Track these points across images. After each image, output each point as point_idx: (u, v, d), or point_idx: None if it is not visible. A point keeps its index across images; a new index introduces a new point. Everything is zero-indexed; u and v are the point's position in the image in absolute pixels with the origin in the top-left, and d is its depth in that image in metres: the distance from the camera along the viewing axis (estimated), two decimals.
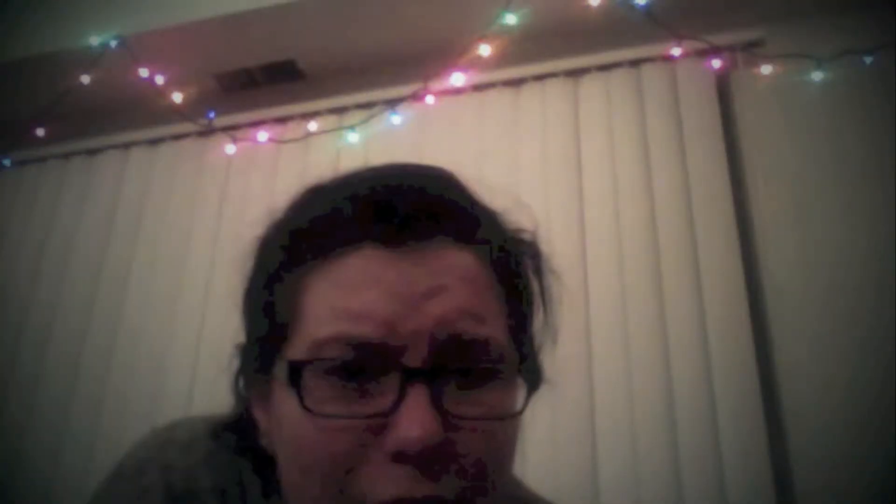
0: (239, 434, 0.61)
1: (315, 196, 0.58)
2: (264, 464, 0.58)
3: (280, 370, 0.52)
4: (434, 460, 0.47)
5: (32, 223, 2.65)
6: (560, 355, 2.22)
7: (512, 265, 0.57)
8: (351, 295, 0.50)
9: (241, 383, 0.60)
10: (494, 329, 0.52)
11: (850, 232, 1.95)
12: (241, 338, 0.61)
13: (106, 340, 2.36)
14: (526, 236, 0.60)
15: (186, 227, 2.44)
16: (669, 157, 2.07)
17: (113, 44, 2.48)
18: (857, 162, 2.02)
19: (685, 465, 1.77)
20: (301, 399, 0.49)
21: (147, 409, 2.20)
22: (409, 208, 0.52)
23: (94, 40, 2.49)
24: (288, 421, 0.51)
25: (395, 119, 2.34)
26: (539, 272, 0.60)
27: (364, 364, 0.49)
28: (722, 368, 1.82)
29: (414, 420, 0.46)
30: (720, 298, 1.89)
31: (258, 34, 2.45)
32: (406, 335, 0.49)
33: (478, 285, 0.52)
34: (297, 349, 0.51)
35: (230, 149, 2.50)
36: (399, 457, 0.47)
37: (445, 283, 0.51)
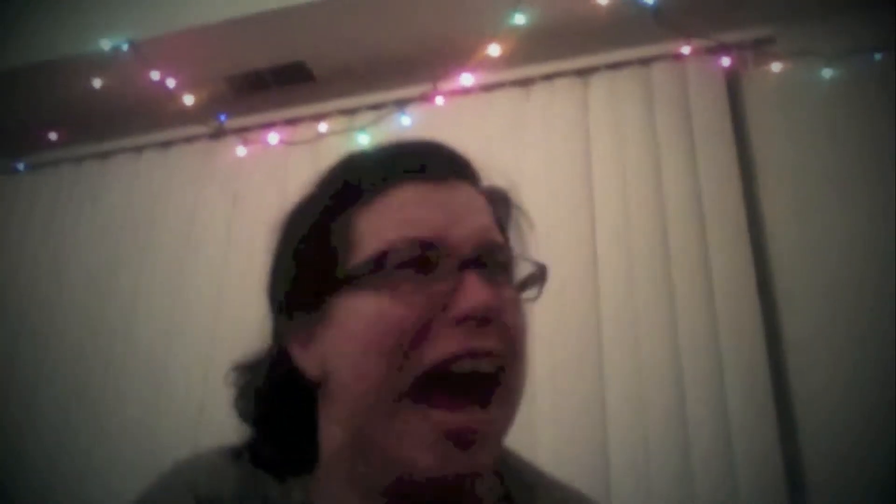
0: (257, 450, 0.68)
1: (351, 157, 0.70)
2: (282, 468, 0.66)
3: (360, 269, 0.60)
4: (490, 321, 0.58)
5: (48, 226, 2.67)
6: (570, 355, 2.23)
7: (502, 209, 0.71)
8: (407, 211, 0.62)
9: (278, 336, 0.67)
10: (506, 242, 0.67)
11: (861, 228, 1.94)
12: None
13: (107, 341, 2.38)
14: (507, 192, 0.73)
15: (198, 229, 2.46)
16: (679, 156, 2.07)
17: (124, 48, 2.50)
18: (868, 159, 2.01)
19: (697, 464, 1.76)
20: (386, 279, 0.59)
21: (147, 410, 2.21)
22: (435, 157, 0.66)
23: (106, 45, 2.50)
24: (359, 314, 0.60)
25: (405, 120, 2.35)
26: (517, 221, 0.72)
27: (427, 259, 0.60)
28: (733, 368, 1.82)
29: (478, 289, 0.58)
30: (731, 298, 1.88)
31: (268, 37, 2.46)
32: (455, 239, 0.61)
33: (490, 214, 0.66)
34: (361, 261, 0.61)
35: (241, 151, 2.52)
36: (465, 319, 0.58)
37: (475, 207, 0.65)
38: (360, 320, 0.59)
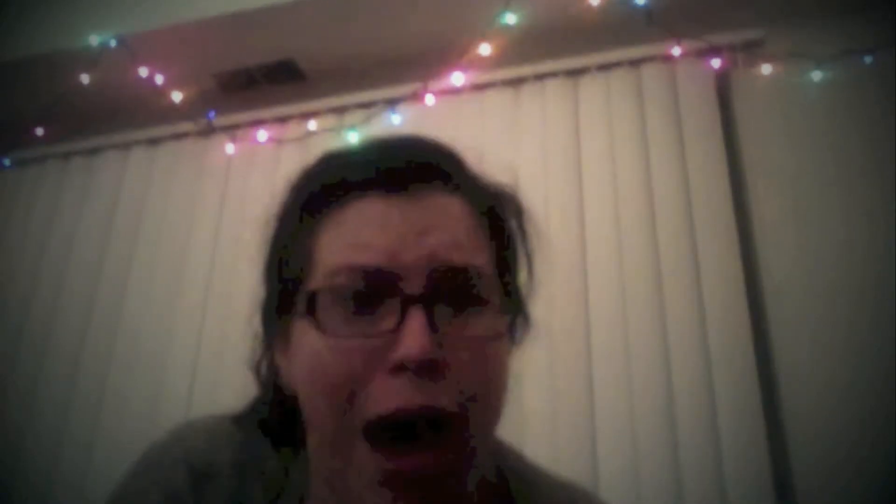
0: (260, 416, 0.67)
1: (325, 159, 0.65)
2: (284, 439, 0.65)
3: (300, 302, 0.58)
4: (430, 373, 0.53)
5: (32, 223, 2.65)
6: (560, 355, 2.23)
7: (497, 214, 0.64)
8: (357, 231, 0.57)
9: (265, 332, 0.66)
10: (482, 261, 0.59)
11: (849, 232, 1.95)
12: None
13: (106, 340, 2.36)
14: (509, 192, 0.67)
15: (186, 227, 2.45)
16: (669, 157, 2.07)
17: (112, 43, 2.48)
18: (856, 162, 2.02)
19: (685, 465, 1.77)
20: (317, 323, 0.56)
21: (147, 409, 2.20)
22: (407, 160, 0.60)
23: (94, 40, 2.49)
24: (305, 347, 0.57)
25: (395, 119, 2.34)
26: (521, 226, 0.66)
27: (370, 291, 0.56)
28: (722, 368, 1.82)
29: (412, 337, 0.53)
30: (720, 298, 1.89)
31: (258, 34, 2.45)
32: (405, 264, 0.55)
33: (467, 225, 0.60)
34: (313, 282, 0.58)
35: (230, 149, 2.50)
36: (398, 370, 0.53)
37: (439, 221, 0.58)
38: (304, 357, 0.58)
